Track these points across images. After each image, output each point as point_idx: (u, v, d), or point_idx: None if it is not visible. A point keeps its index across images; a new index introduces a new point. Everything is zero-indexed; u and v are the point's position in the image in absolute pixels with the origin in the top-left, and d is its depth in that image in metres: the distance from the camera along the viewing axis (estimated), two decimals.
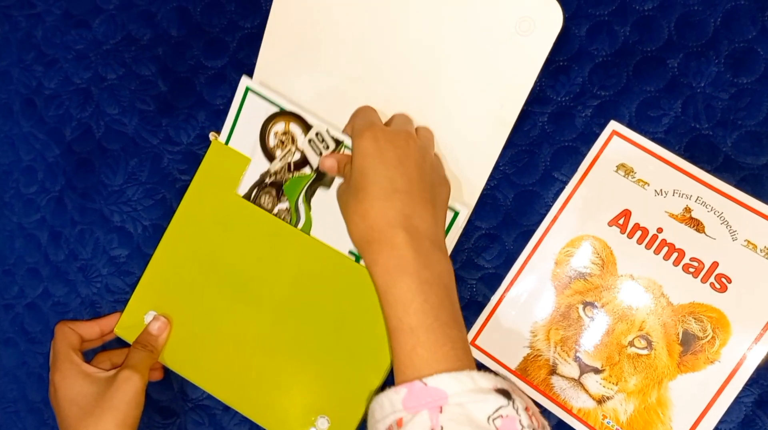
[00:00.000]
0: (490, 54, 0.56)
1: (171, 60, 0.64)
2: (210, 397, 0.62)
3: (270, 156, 0.58)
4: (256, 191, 0.59)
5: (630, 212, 0.54)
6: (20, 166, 0.67)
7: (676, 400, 0.53)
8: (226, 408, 0.62)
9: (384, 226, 0.49)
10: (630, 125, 0.56)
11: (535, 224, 0.57)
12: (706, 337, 0.52)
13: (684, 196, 0.53)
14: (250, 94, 0.58)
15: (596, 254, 0.55)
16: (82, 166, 0.65)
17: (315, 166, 0.58)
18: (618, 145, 0.55)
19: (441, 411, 0.44)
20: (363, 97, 0.58)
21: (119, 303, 0.63)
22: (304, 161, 0.58)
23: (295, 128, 0.58)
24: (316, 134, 0.56)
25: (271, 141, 0.58)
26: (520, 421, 0.44)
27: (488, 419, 0.44)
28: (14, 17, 0.67)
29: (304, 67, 0.59)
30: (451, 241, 0.57)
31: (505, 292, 0.57)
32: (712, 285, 0.52)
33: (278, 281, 0.58)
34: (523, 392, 0.53)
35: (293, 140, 0.58)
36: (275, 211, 0.58)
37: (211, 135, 0.60)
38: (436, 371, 0.46)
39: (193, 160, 0.63)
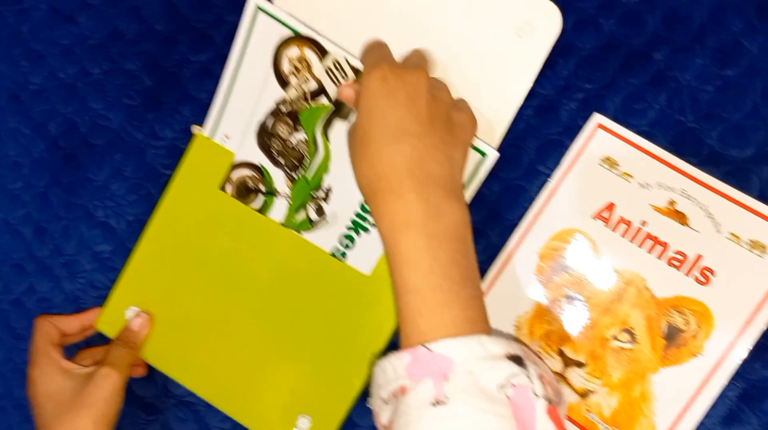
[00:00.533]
0: (489, 57, 0.55)
1: (157, 55, 0.64)
2: (194, 393, 0.61)
3: (284, 83, 0.56)
4: (273, 121, 0.56)
5: (614, 205, 0.54)
6: (6, 161, 0.67)
7: (660, 394, 0.52)
8: (210, 405, 0.61)
9: (390, 174, 0.45)
10: (615, 119, 0.55)
11: (520, 218, 0.57)
12: (690, 330, 0.52)
13: (668, 189, 0.53)
14: (260, 15, 0.55)
15: (581, 248, 0.55)
16: (67, 161, 0.65)
17: (333, 96, 0.55)
18: (602, 139, 0.55)
19: (447, 379, 0.41)
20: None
21: (103, 299, 0.63)
22: (320, 90, 0.55)
23: (310, 54, 0.55)
24: (334, 62, 0.53)
25: (285, 67, 0.55)
26: (533, 390, 0.41)
27: (499, 388, 0.40)
28: (1, 12, 0.67)
29: None
30: (474, 188, 0.55)
31: (489, 286, 0.56)
32: (696, 278, 0.52)
33: (261, 278, 0.58)
34: (537, 356, 0.51)
35: (309, 67, 0.55)
36: (293, 142, 0.56)
37: (194, 128, 0.60)
38: (442, 336, 0.42)
39: (177, 154, 0.62)
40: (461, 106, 0.52)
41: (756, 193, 0.53)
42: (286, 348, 0.58)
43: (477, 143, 0.54)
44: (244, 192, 0.58)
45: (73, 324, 0.61)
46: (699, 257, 0.52)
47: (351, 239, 0.57)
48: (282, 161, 0.57)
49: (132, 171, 0.64)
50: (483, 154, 0.54)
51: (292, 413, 0.57)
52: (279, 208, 0.58)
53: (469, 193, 0.55)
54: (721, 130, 0.54)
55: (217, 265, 0.58)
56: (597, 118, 0.55)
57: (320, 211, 0.57)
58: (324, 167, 0.56)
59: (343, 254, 0.57)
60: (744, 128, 0.54)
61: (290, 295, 0.57)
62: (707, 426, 0.53)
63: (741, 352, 0.51)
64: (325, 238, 0.57)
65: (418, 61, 0.52)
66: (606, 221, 0.54)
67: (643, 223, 0.53)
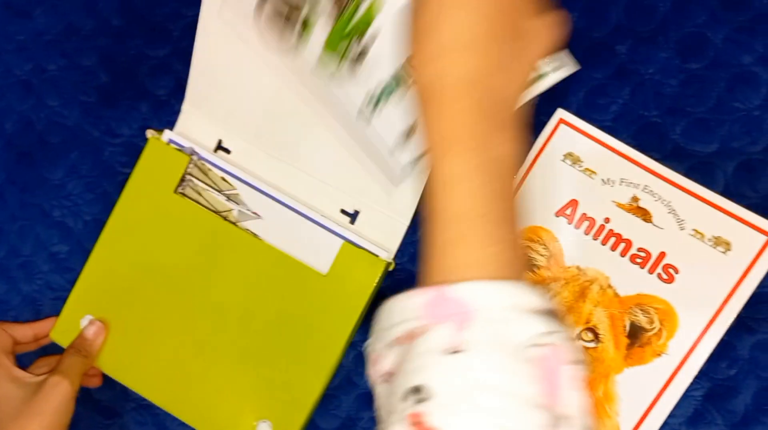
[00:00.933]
0: None
1: (112, 50, 0.62)
2: None
3: None
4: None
5: (577, 202, 0.53)
6: None
7: (624, 394, 0.51)
8: None
9: (448, 83, 0.39)
10: (578, 113, 0.54)
11: None
12: (653, 329, 0.51)
13: (631, 185, 0.52)
14: None
15: (543, 246, 0.54)
16: (22, 159, 0.63)
17: None
18: (565, 134, 0.54)
19: (469, 325, 0.35)
20: None
21: (60, 300, 0.61)
22: None
23: None
24: None
25: None
26: (564, 353, 0.35)
27: (527, 346, 0.35)
28: None
29: None
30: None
31: None
32: (659, 276, 0.51)
33: (218, 283, 0.57)
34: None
35: None
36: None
37: (148, 132, 0.58)
38: (478, 277, 0.36)
39: (134, 152, 0.61)
40: (542, 11, 0.43)
41: (720, 188, 0.52)
42: (244, 352, 0.56)
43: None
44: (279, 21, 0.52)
45: (26, 333, 0.59)
46: (662, 255, 0.51)
47: (377, 102, 0.51)
48: None
49: (88, 169, 0.62)
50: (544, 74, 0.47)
51: (251, 418, 0.56)
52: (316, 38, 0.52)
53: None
54: (685, 124, 0.53)
55: (173, 269, 0.57)
56: (560, 113, 0.54)
57: (360, 56, 0.50)
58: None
59: (376, 105, 0.51)
60: (708, 122, 0.53)
61: (246, 297, 0.56)
62: (672, 426, 0.52)
63: (705, 351, 0.50)
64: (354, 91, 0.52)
65: None
66: (569, 218, 0.53)
67: (606, 220, 0.52)
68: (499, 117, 0.40)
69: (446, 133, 0.39)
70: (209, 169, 0.56)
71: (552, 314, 0.36)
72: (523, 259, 0.40)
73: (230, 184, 0.56)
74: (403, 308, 0.38)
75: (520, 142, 0.41)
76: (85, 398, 0.60)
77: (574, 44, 0.55)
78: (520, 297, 0.36)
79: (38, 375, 0.55)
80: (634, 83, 0.54)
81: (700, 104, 0.53)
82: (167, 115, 0.60)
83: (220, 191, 0.56)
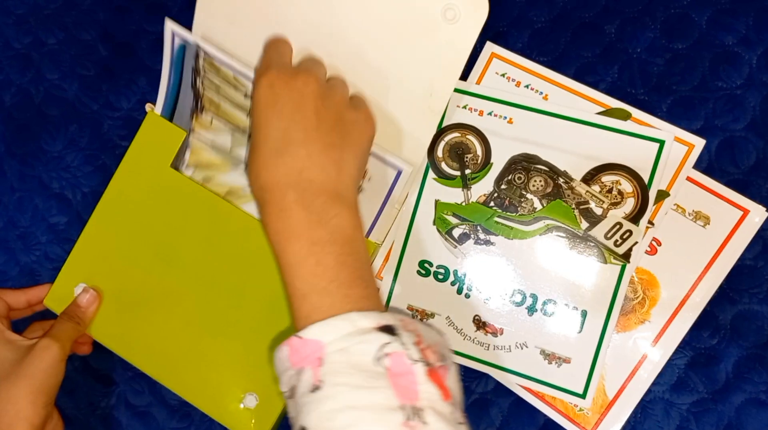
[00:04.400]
0: (417, 43, 0.52)
1: (112, 24, 0.63)
2: None
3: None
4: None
5: None
6: None
7: (609, 360, 0.53)
8: None
9: (273, 186, 0.46)
10: None
11: None
12: (637, 298, 0.53)
13: None
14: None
15: None
16: (21, 132, 0.64)
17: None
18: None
19: (322, 363, 0.41)
20: None
21: (58, 271, 0.62)
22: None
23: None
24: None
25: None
26: (408, 355, 0.41)
27: (375, 360, 0.41)
28: None
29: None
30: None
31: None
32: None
33: (210, 257, 0.57)
34: (427, 325, 0.51)
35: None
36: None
37: (147, 106, 0.59)
38: (319, 319, 0.43)
39: (133, 125, 0.62)
40: (357, 103, 0.51)
41: (704, 164, 0.54)
42: (234, 326, 0.57)
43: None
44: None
45: (19, 299, 0.60)
46: (646, 228, 0.53)
47: None
48: None
49: (87, 142, 0.63)
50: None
51: (238, 390, 0.57)
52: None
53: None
54: (671, 102, 0.55)
55: (166, 243, 0.58)
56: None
57: None
58: None
59: None
60: (693, 100, 0.55)
61: (237, 274, 0.57)
62: (656, 394, 0.54)
63: (688, 320, 0.52)
64: None
65: (310, 64, 0.51)
66: None
67: None
68: (327, 196, 0.46)
69: (280, 230, 0.46)
70: (219, 68, 0.55)
71: (389, 326, 0.42)
72: (374, 300, 0.45)
73: (242, 84, 0.56)
74: (280, 359, 0.44)
75: (354, 209, 0.48)
76: (83, 366, 0.61)
77: (564, 24, 0.56)
78: (355, 322, 0.42)
79: (31, 339, 0.56)
80: (621, 62, 0.56)
81: (685, 83, 0.55)
82: None
83: (236, 88, 0.56)
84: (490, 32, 0.57)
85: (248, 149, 0.50)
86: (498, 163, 0.55)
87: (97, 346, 0.61)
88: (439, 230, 0.56)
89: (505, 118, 0.55)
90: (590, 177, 0.53)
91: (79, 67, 0.63)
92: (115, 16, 0.63)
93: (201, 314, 0.58)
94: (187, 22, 0.61)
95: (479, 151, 0.56)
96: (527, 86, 0.55)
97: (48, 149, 0.64)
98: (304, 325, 0.43)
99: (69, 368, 0.63)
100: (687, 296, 0.52)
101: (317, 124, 0.47)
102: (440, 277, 0.56)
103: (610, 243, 0.52)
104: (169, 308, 0.58)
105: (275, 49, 0.52)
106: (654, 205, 0.52)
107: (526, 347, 0.54)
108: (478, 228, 0.55)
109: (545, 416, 0.55)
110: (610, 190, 0.53)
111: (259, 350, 0.57)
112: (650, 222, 0.52)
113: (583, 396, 0.53)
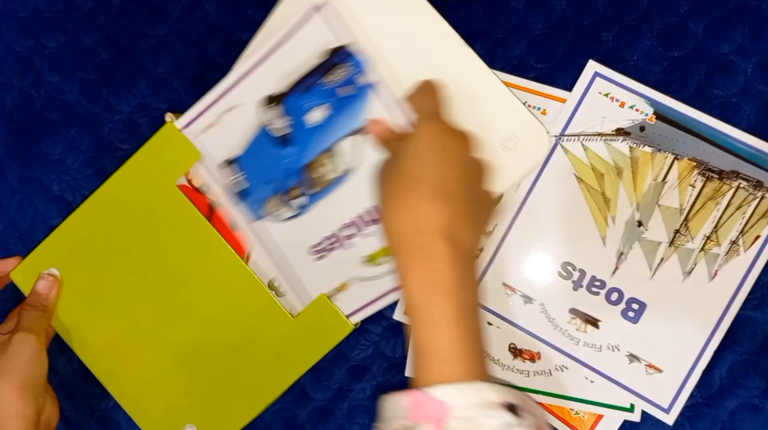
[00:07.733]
0: None
1: (112, 28, 0.63)
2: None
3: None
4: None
5: None
6: None
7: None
8: None
9: (425, 230, 0.44)
10: None
11: None
12: None
13: None
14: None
15: None
16: (21, 134, 0.65)
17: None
18: None
19: (444, 425, 0.41)
20: None
21: None
22: None
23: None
24: None
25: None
26: None
27: None
28: None
29: None
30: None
31: None
32: None
33: (187, 284, 0.57)
34: (539, 405, 0.52)
35: None
36: None
37: (167, 116, 0.57)
38: (446, 380, 0.42)
39: (133, 129, 0.62)
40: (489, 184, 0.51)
41: None
42: (192, 356, 0.57)
43: None
44: None
45: None
46: None
47: None
48: None
49: (88, 145, 0.64)
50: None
51: (180, 418, 0.57)
52: None
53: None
54: None
55: (146, 254, 0.57)
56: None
57: None
58: None
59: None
60: None
61: (209, 307, 0.57)
62: None
63: None
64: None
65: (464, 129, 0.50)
66: None
67: None
68: (469, 261, 0.45)
69: (426, 282, 0.44)
70: None
71: (513, 405, 0.42)
72: (481, 355, 0.45)
73: None
74: (394, 406, 0.43)
75: (477, 287, 0.46)
76: (82, 369, 0.61)
77: (561, 31, 0.57)
78: (483, 394, 0.41)
79: (5, 334, 0.56)
80: (618, 70, 0.56)
81: (681, 91, 0.55)
82: (165, 93, 0.62)
83: None
84: (489, 39, 0.57)
85: (385, 180, 0.48)
86: None
87: None
88: None
89: None
90: None
91: (79, 71, 0.64)
92: (115, 19, 0.63)
93: (159, 333, 0.58)
94: (188, 27, 0.61)
95: None
96: None
97: (48, 152, 0.64)
98: (430, 382, 0.42)
99: (68, 371, 0.63)
100: None
101: (470, 187, 0.47)
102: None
103: None
104: (130, 318, 0.58)
105: (433, 94, 0.51)
106: None
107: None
108: None
109: None
110: None
111: (212, 387, 0.57)
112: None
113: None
